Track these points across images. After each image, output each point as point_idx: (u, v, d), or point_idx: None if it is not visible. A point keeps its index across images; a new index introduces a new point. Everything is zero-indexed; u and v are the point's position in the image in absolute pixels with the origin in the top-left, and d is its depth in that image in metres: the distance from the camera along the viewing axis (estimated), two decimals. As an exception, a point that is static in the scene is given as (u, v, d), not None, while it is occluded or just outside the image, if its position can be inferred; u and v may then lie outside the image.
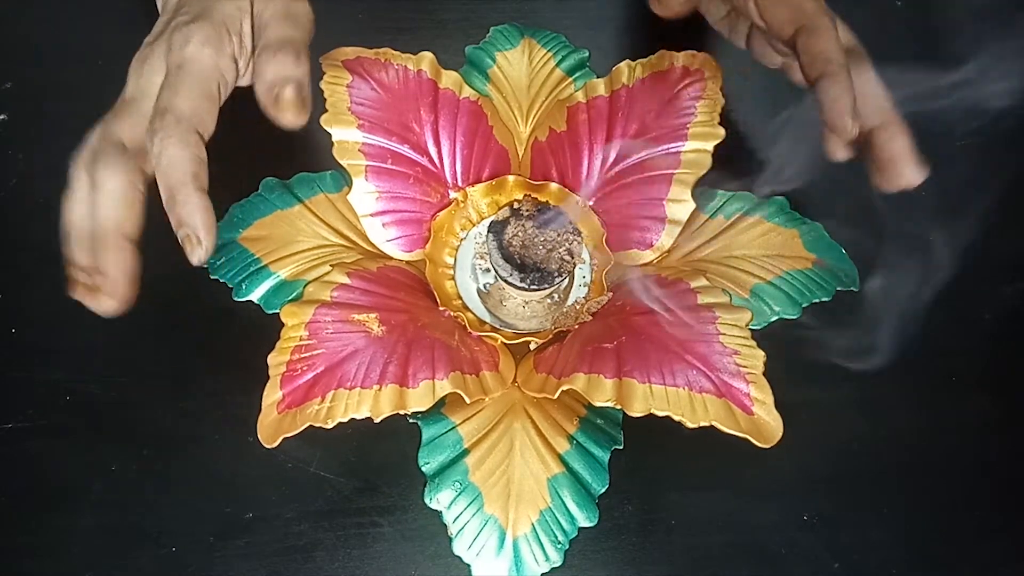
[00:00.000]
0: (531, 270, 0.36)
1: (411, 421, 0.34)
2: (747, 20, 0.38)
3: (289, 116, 0.33)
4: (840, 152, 0.35)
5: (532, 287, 0.35)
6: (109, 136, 0.32)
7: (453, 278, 0.39)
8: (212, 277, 0.37)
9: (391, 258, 0.38)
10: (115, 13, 0.48)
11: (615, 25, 0.50)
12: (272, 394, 0.32)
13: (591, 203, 0.39)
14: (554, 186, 0.39)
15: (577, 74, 0.43)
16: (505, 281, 0.36)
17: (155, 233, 0.41)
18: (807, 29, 0.33)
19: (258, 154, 0.39)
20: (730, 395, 0.31)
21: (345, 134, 0.37)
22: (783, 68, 0.39)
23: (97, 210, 0.32)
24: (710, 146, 0.37)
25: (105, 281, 0.31)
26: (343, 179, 0.39)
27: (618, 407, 0.31)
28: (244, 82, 0.36)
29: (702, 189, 0.39)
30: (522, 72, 0.44)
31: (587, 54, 0.45)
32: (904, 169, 0.33)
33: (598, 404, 0.31)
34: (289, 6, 0.35)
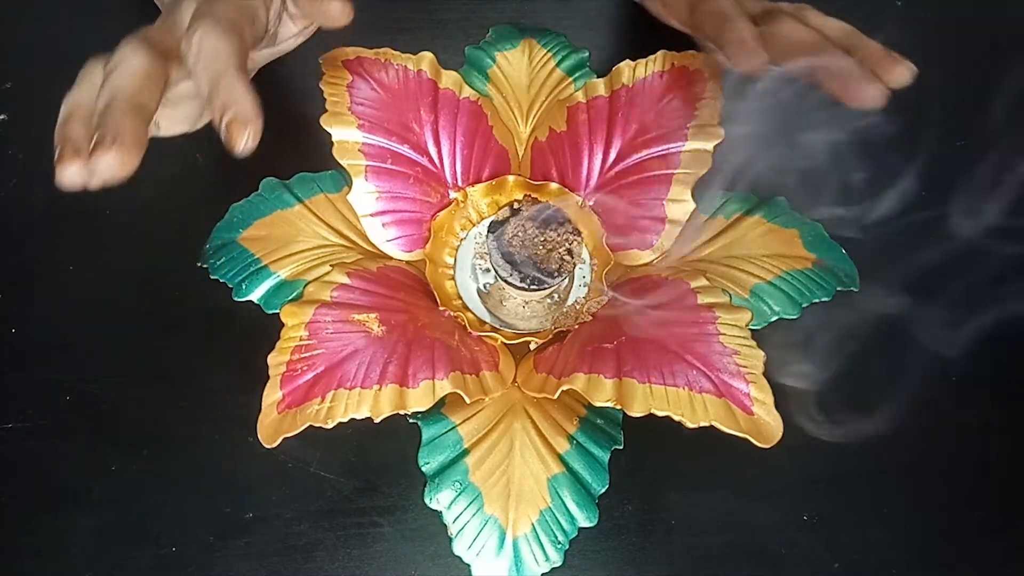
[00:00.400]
0: (531, 270, 0.36)
1: (411, 421, 0.34)
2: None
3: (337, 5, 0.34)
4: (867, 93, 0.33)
5: (532, 287, 0.35)
6: (136, 34, 0.31)
7: (453, 278, 0.39)
8: (212, 277, 0.37)
9: (391, 258, 0.38)
10: (115, 13, 0.48)
11: (615, 25, 0.50)
12: (272, 394, 0.32)
13: (591, 203, 0.39)
14: (554, 186, 0.39)
15: (577, 74, 0.43)
16: (505, 281, 0.36)
17: (155, 233, 0.41)
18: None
19: (258, 154, 0.39)
20: (730, 395, 0.31)
21: (345, 134, 0.37)
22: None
23: (114, 82, 0.29)
24: (710, 146, 0.37)
25: (117, 142, 0.28)
26: (343, 179, 0.39)
27: (618, 407, 0.31)
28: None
29: (702, 189, 0.39)
30: (522, 72, 0.44)
31: (587, 54, 0.45)
32: (861, 89, 0.31)
33: (598, 404, 0.31)
34: None
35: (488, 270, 0.38)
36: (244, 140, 0.29)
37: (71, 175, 0.28)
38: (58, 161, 0.28)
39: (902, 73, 0.32)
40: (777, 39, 0.32)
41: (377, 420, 0.31)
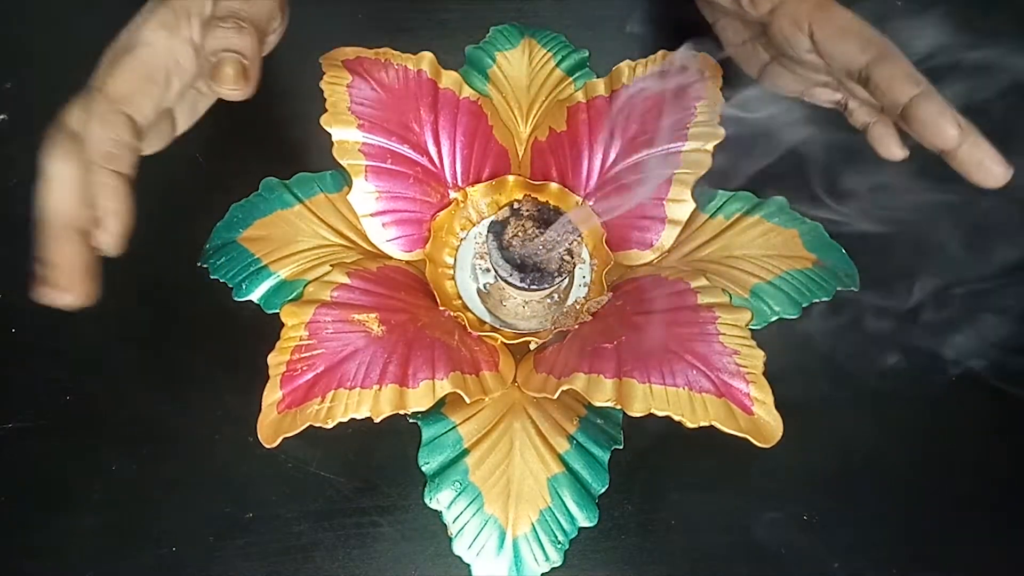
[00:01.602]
0: (531, 270, 0.36)
1: (411, 421, 0.34)
2: (770, 50, 0.39)
3: (226, 87, 0.32)
4: (897, 151, 0.36)
5: (532, 287, 0.35)
6: (60, 124, 0.32)
7: (453, 278, 0.39)
8: (212, 277, 0.37)
9: (391, 258, 0.38)
10: (115, 13, 0.48)
11: (615, 25, 0.50)
12: (272, 394, 0.32)
13: (591, 203, 0.39)
14: (554, 186, 0.39)
15: (577, 74, 0.43)
16: (505, 281, 0.36)
17: (155, 233, 0.41)
18: (881, 57, 0.34)
19: (258, 154, 0.39)
20: (730, 395, 0.31)
21: (345, 134, 0.37)
22: (802, 95, 0.39)
23: (41, 199, 0.31)
24: (710, 146, 0.37)
25: (55, 274, 0.30)
26: (343, 179, 0.39)
27: (618, 407, 0.31)
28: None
29: (702, 189, 0.39)
30: (522, 72, 0.44)
31: (587, 54, 0.45)
32: (996, 167, 0.33)
33: (598, 404, 0.31)
34: None
35: (488, 270, 0.38)
36: (104, 243, 0.30)
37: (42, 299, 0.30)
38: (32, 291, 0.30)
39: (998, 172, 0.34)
40: (933, 115, 0.33)
41: (377, 420, 0.31)
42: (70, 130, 0.31)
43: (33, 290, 0.31)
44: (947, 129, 0.32)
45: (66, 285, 0.30)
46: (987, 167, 0.33)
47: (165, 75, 0.33)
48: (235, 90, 0.32)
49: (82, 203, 0.30)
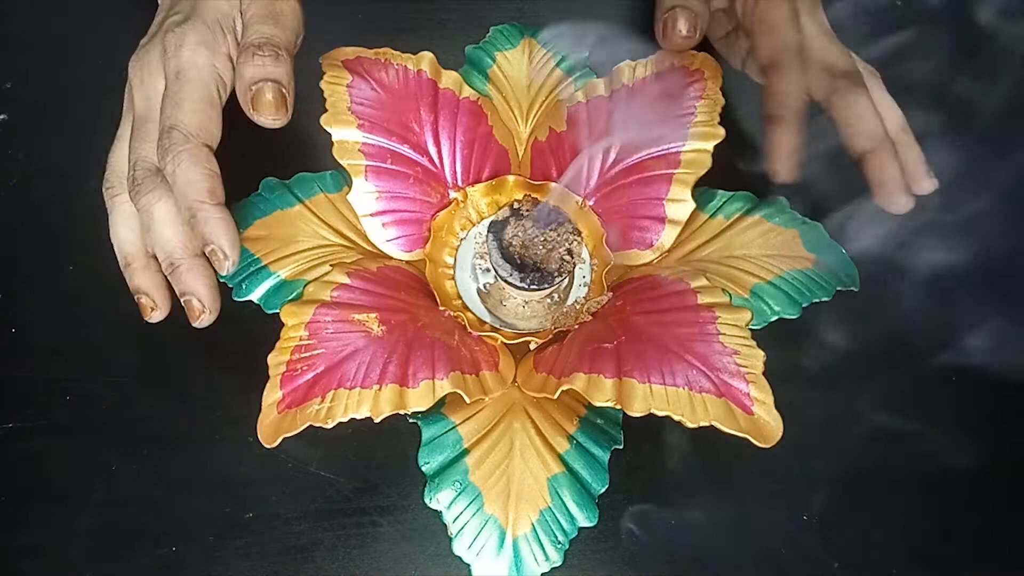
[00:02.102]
0: (531, 270, 0.36)
1: (411, 421, 0.34)
2: (746, 41, 0.39)
3: (267, 117, 0.33)
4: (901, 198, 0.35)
5: (532, 287, 0.35)
6: (143, 162, 0.33)
7: (453, 278, 0.39)
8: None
9: (391, 258, 0.38)
10: (115, 13, 0.48)
11: (615, 25, 0.49)
12: (272, 394, 0.32)
13: (591, 203, 0.39)
14: (556, 187, 0.39)
15: (577, 74, 0.43)
16: (505, 281, 0.36)
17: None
18: (776, 65, 0.35)
19: (258, 154, 0.39)
20: (730, 395, 0.31)
21: (345, 134, 0.37)
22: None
23: (157, 238, 0.32)
24: (710, 146, 0.37)
25: (196, 300, 0.33)
26: (343, 179, 0.39)
27: (618, 407, 0.31)
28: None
29: (702, 189, 0.39)
30: (522, 72, 0.44)
31: (587, 54, 0.45)
32: (893, 196, 0.34)
33: (598, 404, 0.31)
34: (274, 5, 0.35)
35: (488, 270, 0.38)
36: (225, 269, 0.32)
37: (157, 320, 0.34)
38: (144, 315, 0.34)
39: (927, 187, 0.36)
40: (845, 121, 0.34)
41: (377, 420, 0.31)
42: (155, 167, 0.33)
43: (150, 318, 0.34)
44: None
45: (213, 312, 0.33)
46: (888, 190, 0.33)
47: (219, 94, 0.33)
48: (276, 119, 0.33)
49: (190, 232, 0.32)
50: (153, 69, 0.34)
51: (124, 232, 0.34)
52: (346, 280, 0.35)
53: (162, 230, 0.32)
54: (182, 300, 0.33)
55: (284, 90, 0.33)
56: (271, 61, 0.33)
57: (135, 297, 0.34)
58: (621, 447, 0.34)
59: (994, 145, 0.45)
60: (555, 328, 0.36)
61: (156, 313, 0.34)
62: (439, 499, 0.32)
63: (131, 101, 0.35)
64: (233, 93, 0.34)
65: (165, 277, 0.34)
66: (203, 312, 0.33)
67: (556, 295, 0.38)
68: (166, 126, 0.32)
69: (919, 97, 0.39)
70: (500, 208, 0.39)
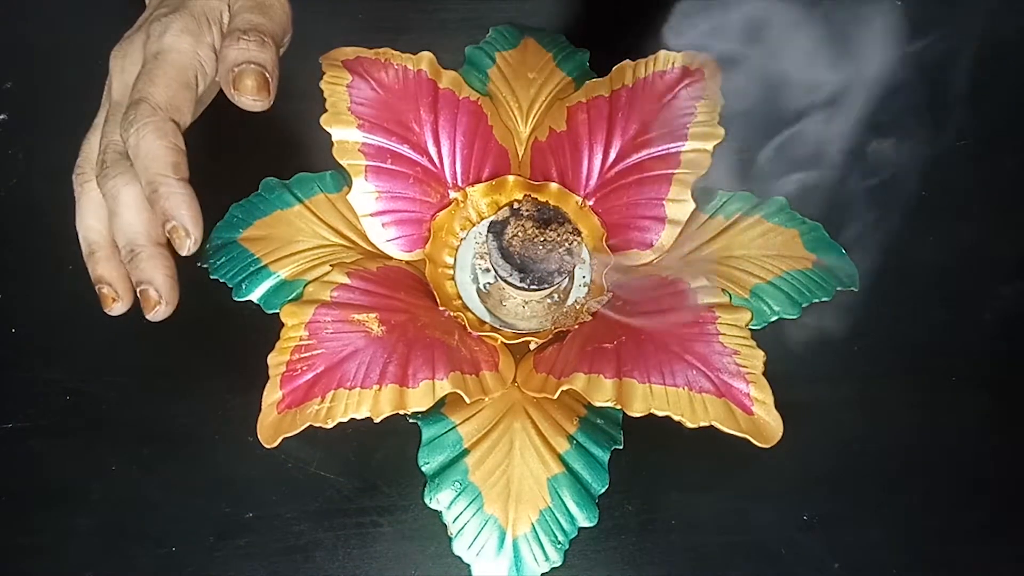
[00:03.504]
0: (531, 270, 0.36)
1: (411, 421, 0.34)
2: None
3: (247, 97, 0.33)
4: None
5: (532, 287, 0.35)
6: (113, 146, 0.32)
7: (453, 278, 0.39)
8: (212, 277, 0.37)
9: (391, 258, 0.38)
10: (115, 13, 0.48)
11: (615, 25, 0.50)
12: (272, 394, 0.32)
13: (591, 203, 0.39)
14: (554, 186, 0.39)
15: (577, 74, 0.43)
16: (505, 281, 0.36)
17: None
18: None
19: (258, 154, 0.39)
20: (730, 395, 0.31)
21: (345, 134, 0.37)
22: None
23: (121, 223, 0.32)
24: (710, 146, 0.37)
25: (153, 290, 0.32)
26: (343, 179, 0.39)
27: (618, 407, 0.31)
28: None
29: (702, 189, 0.39)
30: (522, 72, 0.44)
31: (587, 54, 0.45)
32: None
33: (598, 404, 0.31)
34: None
35: (488, 270, 0.38)
36: (186, 247, 0.31)
37: (119, 312, 0.33)
38: (104, 306, 0.33)
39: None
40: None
41: (377, 420, 0.31)
42: (121, 150, 0.32)
43: (110, 310, 0.33)
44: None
45: (169, 303, 0.32)
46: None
47: (196, 80, 0.33)
48: (257, 101, 0.33)
49: (154, 219, 0.32)
50: (135, 58, 0.33)
51: (90, 220, 0.33)
52: (346, 280, 0.35)
53: (126, 213, 0.31)
54: (138, 290, 0.32)
55: (267, 74, 0.33)
56: (256, 46, 0.33)
57: (96, 287, 0.33)
58: (621, 447, 0.34)
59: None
60: (555, 328, 0.36)
61: (118, 305, 0.33)
62: (439, 499, 0.32)
63: (109, 89, 0.34)
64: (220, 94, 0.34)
65: None
66: (159, 303, 0.32)
67: (556, 295, 0.38)
68: (135, 98, 0.31)
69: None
70: (500, 208, 0.39)
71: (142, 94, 0.32)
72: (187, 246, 0.31)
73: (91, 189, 0.33)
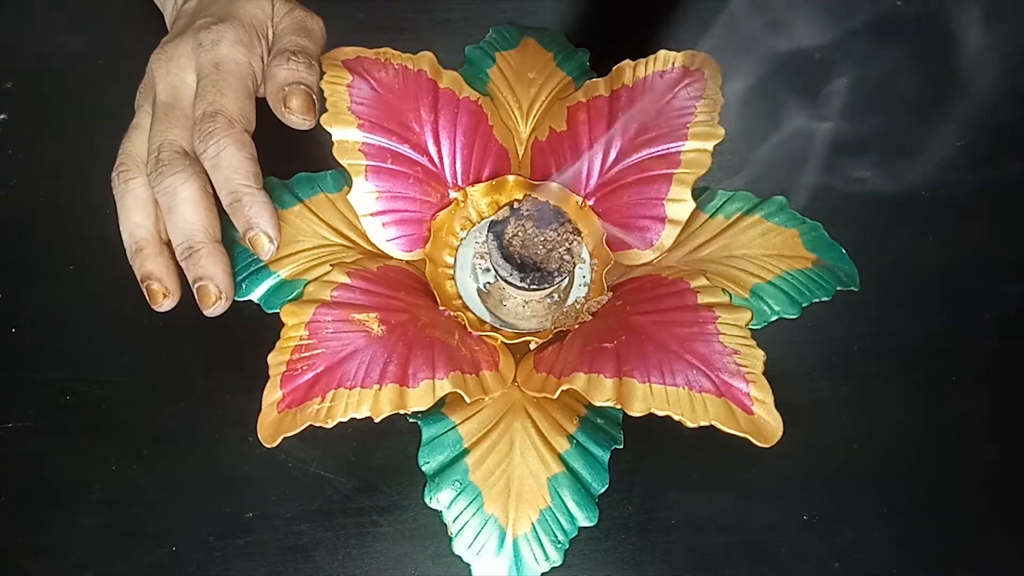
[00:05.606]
0: (531, 270, 0.36)
1: (411, 421, 0.34)
2: None
3: (298, 117, 0.34)
4: None
5: (532, 287, 0.35)
6: (170, 145, 0.33)
7: (453, 278, 0.39)
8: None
9: (391, 258, 0.38)
10: (115, 13, 0.48)
11: (615, 25, 0.50)
12: (272, 394, 0.32)
13: (591, 203, 0.39)
14: (554, 186, 0.39)
15: (577, 74, 0.43)
16: (505, 281, 0.36)
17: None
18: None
19: (258, 154, 0.39)
20: (730, 395, 0.31)
21: (345, 134, 0.37)
22: None
23: (178, 220, 0.32)
24: (710, 146, 0.37)
25: (212, 285, 0.33)
26: (343, 179, 0.39)
27: (618, 407, 0.31)
28: (260, 92, 0.36)
29: (702, 188, 0.39)
30: (522, 72, 0.44)
31: (587, 54, 0.45)
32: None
33: (598, 404, 0.31)
34: (306, 21, 0.37)
35: (488, 270, 0.38)
36: (269, 252, 0.34)
37: (167, 308, 0.33)
38: (153, 302, 0.33)
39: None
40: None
41: (377, 420, 0.31)
42: (182, 150, 0.33)
43: (159, 307, 0.33)
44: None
45: (229, 298, 0.33)
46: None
47: (254, 90, 0.35)
48: (305, 120, 0.34)
49: (217, 217, 0.33)
50: (183, 63, 0.34)
51: (137, 217, 0.33)
52: (346, 280, 0.35)
53: (184, 210, 0.32)
54: (195, 286, 0.33)
55: (314, 95, 0.35)
56: (304, 68, 0.34)
57: (144, 285, 0.33)
58: (621, 447, 0.34)
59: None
60: (555, 328, 0.36)
61: (168, 300, 0.33)
62: (439, 499, 0.32)
63: (150, 91, 0.35)
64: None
65: (177, 265, 0.33)
66: (219, 298, 0.33)
67: (556, 295, 0.38)
68: (208, 111, 0.32)
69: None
70: (500, 208, 0.39)
71: (216, 106, 0.33)
72: (270, 251, 0.33)
73: (137, 187, 0.34)
